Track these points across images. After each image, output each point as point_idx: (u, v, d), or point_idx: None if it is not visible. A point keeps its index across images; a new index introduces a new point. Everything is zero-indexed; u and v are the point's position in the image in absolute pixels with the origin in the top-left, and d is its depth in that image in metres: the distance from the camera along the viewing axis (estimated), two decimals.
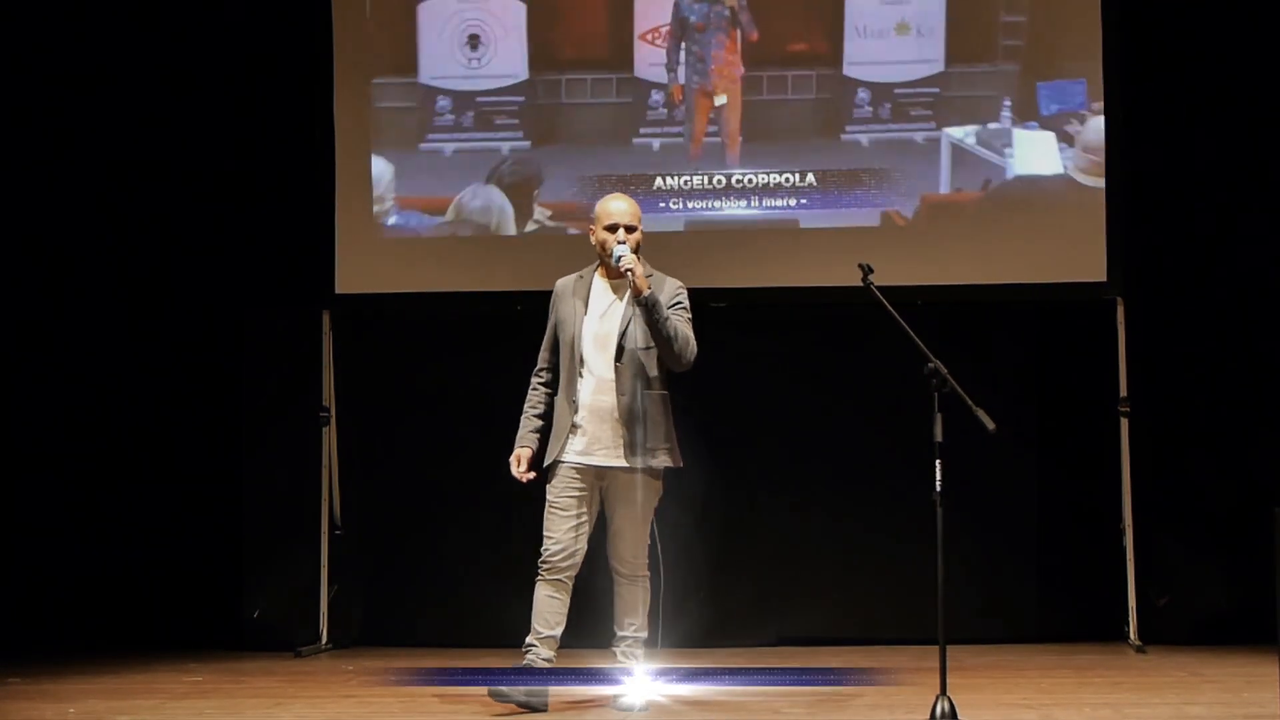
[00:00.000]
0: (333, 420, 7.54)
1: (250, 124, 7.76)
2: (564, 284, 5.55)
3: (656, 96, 7.44)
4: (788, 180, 7.32)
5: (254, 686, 6.27)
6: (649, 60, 7.47)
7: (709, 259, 7.32)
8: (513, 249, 7.43)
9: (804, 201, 7.32)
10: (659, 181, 7.35)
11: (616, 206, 5.43)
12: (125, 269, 7.83)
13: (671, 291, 5.42)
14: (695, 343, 5.40)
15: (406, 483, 7.72)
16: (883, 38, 7.40)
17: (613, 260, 5.33)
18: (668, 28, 7.47)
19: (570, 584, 5.37)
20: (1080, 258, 7.19)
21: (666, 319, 5.29)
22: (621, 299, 5.40)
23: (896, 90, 7.33)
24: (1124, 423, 7.21)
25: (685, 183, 7.35)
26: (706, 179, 7.35)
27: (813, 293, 7.25)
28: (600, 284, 5.48)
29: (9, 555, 7.68)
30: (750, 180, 7.32)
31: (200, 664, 6.85)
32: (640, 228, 5.44)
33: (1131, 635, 7.11)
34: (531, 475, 5.44)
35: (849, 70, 7.36)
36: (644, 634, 5.46)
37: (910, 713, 4.84)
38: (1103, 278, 7.19)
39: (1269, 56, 7.37)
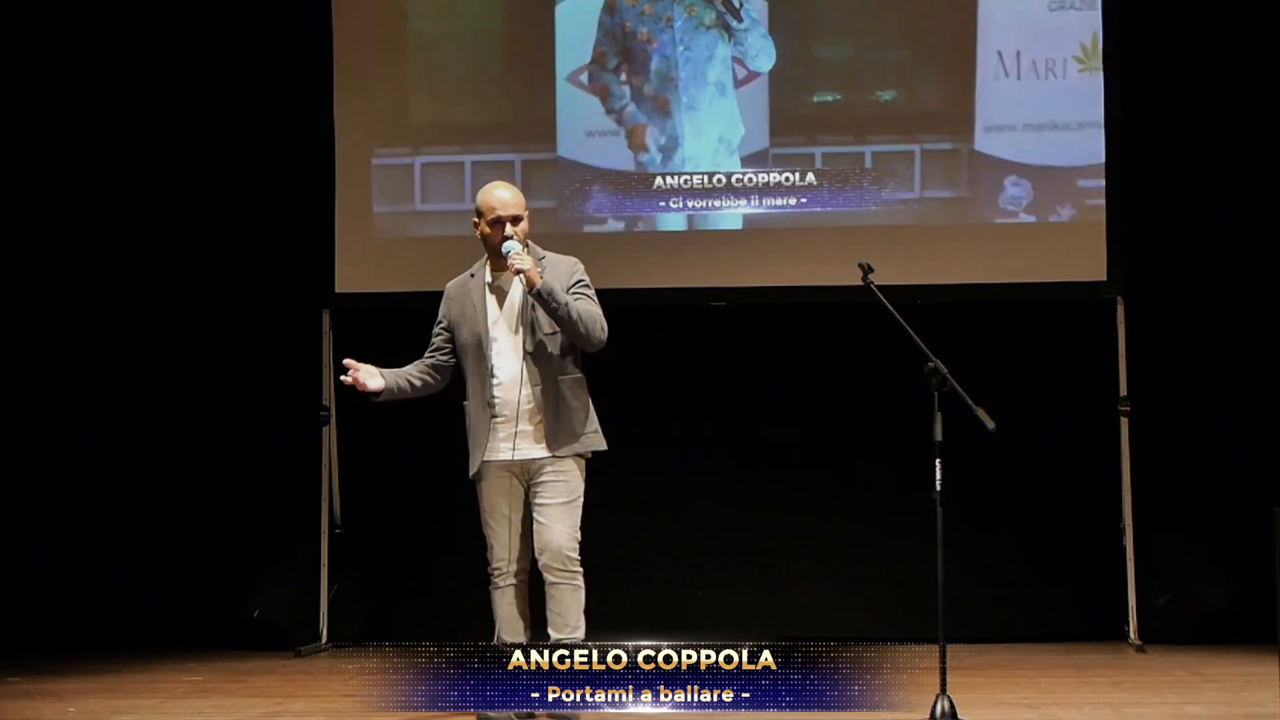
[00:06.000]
0: (333, 420, 7.54)
1: (250, 123, 7.76)
2: (456, 286, 5.31)
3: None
4: (788, 179, 7.31)
5: (254, 686, 6.27)
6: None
7: (709, 259, 7.32)
8: None
9: (804, 200, 7.31)
10: (659, 181, 7.35)
11: (501, 197, 5.12)
12: (125, 269, 7.84)
13: (568, 272, 5.16)
14: (603, 319, 5.13)
15: (406, 483, 7.73)
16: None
17: (502, 255, 5.05)
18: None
19: (525, 587, 5.23)
20: (1080, 257, 7.19)
21: (566, 304, 5.02)
22: (518, 289, 5.12)
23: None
24: (1124, 423, 7.21)
25: (685, 182, 7.34)
26: (706, 178, 7.34)
27: (813, 292, 7.25)
28: (492, 278, 5.21)
29: (9, 555, 7.68)
30: (750, 179, 7.31)
31: (200, 664, 6.85)
32: (525, 215, 5.15)
33: (1131, 635, 7.11)
34: (354, 377, 5.13)
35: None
36: (580, 635, 5.22)
37: (910, 712, 4.84)
38: (1103, 277, 7.19)
39: (1269, 55, 7.37)
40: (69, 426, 7.80)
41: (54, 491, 7.77)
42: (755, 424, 7.59)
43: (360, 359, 7.59)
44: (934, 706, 4.82)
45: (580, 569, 5.17)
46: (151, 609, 7.59)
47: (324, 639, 7.41)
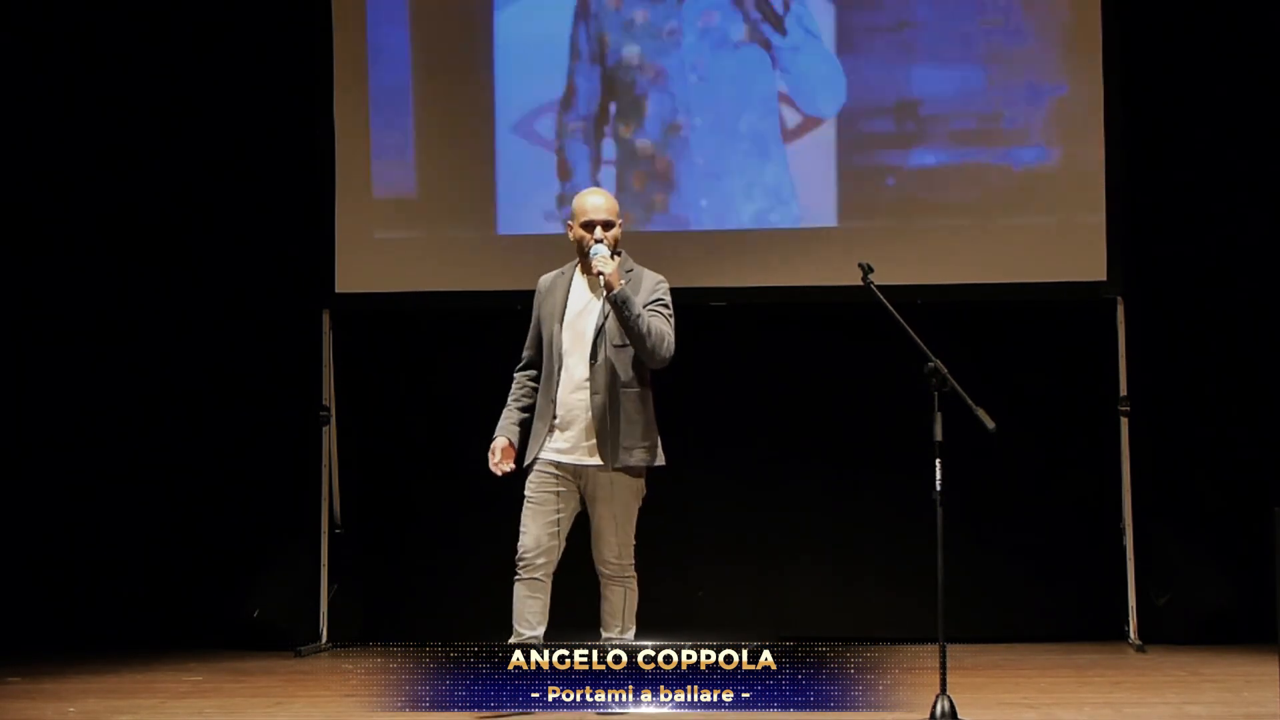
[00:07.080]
0: (333, 420, 7.54)
1: (250, 123, 7.76)
2: (546, 281, 5.45)
3: None
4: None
5: (254, 686, 6.27)
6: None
7: (709, 259, 7.31)
8: (514, 248, 7.42)
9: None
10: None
11: (593, 202, 5.29)
12: (125, 269, 7.83)
13: (650, 287, 5.31)
14: (672, 339, 5.28)
15: (406, 483, 7.73)
16: None
17: (589, 258, 5.23)
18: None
19: (549, 582, 5.27)
20: (1080, 258, 7.19)
21: (639, 315, 5.17)
22: (599, 296, 5.28)
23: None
24: (1124, 423, 7.21)
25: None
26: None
27: (813, 292, 7.25)
28: (580, 281, 5.36)
29: (9, 555, 7.68)
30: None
31: (200, 664, 6.84)
32: (619, 223, 5.30)
33: (1131, 635, 7.11)
34: (509, 468, 5.34)
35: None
36: (630, 636, 5.35)
37: (910, 712, 4.84)
38: (1103, 277, 7.19)
39: (1269, 56, 7.37)
40: (69, 426, 7.79)
41: (54, 491, 7.76)
42: (755, 424, 7.59)
43: (360, 359, 7.71)
44: (934, 706, 4.81)
45: (634, 573, 5.35)
46: (151, 609, 7.59)
47: (324, 639, 7.41)
